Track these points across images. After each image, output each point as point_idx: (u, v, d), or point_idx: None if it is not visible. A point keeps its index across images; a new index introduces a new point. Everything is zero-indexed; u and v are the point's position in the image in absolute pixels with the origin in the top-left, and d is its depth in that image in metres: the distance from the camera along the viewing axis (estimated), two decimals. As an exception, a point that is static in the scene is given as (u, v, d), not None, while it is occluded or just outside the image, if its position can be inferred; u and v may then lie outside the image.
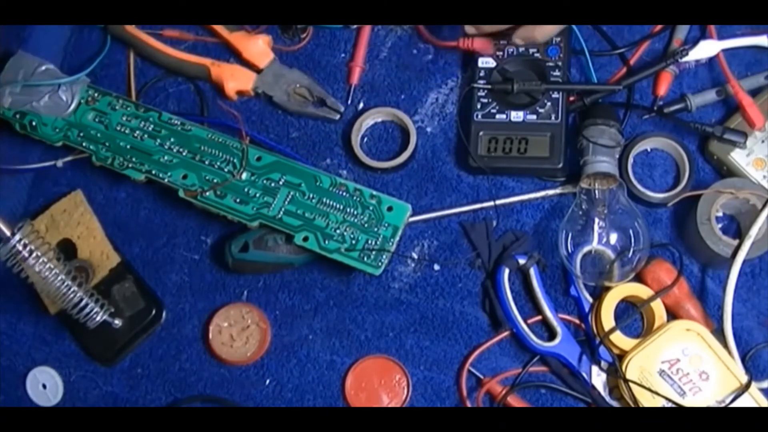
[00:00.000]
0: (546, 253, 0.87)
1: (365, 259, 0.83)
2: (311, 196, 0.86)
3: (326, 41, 0.95)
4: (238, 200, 0.86)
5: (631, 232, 0.83)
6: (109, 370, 0.91)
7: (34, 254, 0.80)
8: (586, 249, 0.84)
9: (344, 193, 0.85)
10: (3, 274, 0.85)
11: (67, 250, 0.90)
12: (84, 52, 0.94)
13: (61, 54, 0.96)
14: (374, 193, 0.85)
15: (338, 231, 0.84)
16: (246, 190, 0.87)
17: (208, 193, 0.87)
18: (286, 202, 0.86)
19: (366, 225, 0.84)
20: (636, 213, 0.84)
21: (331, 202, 0.85)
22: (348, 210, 0.85)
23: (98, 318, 0.86)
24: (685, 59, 0.87)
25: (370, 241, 0.84)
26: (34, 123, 0.92)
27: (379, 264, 0.83)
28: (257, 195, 0.86)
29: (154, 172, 0.88)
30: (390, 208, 0.84)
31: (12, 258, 0.81)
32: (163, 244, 0.92)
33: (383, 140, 0.92)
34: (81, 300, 0.85)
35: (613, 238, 0.83)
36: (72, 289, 0.84)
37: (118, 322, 0.89)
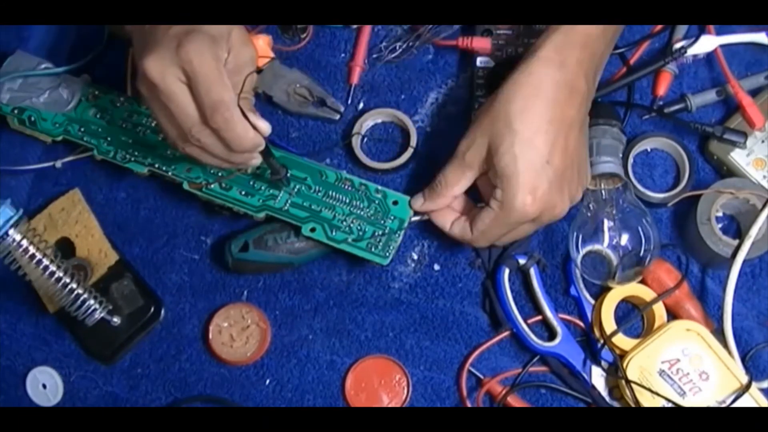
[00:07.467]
0: (546, 253, 0.87)
1: (373, 249, 0.83)
2: (317, 188, 0.86)
3: (326, 41, 0.95)
4: (243, 192, 0.86)
5: (640, 230, 0.82)
6: (109, 370, 0.91)
7: (31, 253, 0.80)
8: (596, 250, 0.83)
9: (350, 188, 0.85)
10: (3, 274, 0.85)
11: (65, 248, 0.90)
12: (84, 52, 0.93)
13: (61, 54, 0.95)
14: (379, 188, 0.85)
15: (345, 223, 0.84)
16: (251, 183, 0.86)
17: (213, 186, 0.86)
18: (292, 195, 0.85)
19: (372, 217, 0.84)
20: (644, 211, 0.83)
21: (337, 195, 0.85)
22: (354, 203, 0.85)
23: (96, 315, 0.86)
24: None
25: (377, 233, 0.83)
26: (33, 118, 0.91)
27: (387, 254, 0.83)
28: (263, 188, 0.86)
29: (157, 165, 0.88)
30: (395, 202, 0.85)
31: (9, 256, 0.81)
32: (163, 244, 0.92)
33: (383, 141, 0.92)
34: (79, 298, 0.85)
35: (624, 238, 0.83)
36: (70, 287, 0.84)
37: (116, 319, 0.89)
